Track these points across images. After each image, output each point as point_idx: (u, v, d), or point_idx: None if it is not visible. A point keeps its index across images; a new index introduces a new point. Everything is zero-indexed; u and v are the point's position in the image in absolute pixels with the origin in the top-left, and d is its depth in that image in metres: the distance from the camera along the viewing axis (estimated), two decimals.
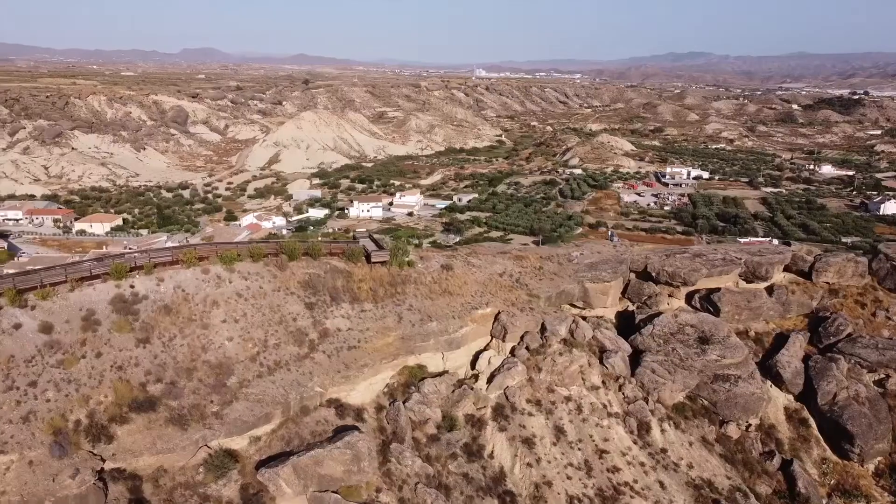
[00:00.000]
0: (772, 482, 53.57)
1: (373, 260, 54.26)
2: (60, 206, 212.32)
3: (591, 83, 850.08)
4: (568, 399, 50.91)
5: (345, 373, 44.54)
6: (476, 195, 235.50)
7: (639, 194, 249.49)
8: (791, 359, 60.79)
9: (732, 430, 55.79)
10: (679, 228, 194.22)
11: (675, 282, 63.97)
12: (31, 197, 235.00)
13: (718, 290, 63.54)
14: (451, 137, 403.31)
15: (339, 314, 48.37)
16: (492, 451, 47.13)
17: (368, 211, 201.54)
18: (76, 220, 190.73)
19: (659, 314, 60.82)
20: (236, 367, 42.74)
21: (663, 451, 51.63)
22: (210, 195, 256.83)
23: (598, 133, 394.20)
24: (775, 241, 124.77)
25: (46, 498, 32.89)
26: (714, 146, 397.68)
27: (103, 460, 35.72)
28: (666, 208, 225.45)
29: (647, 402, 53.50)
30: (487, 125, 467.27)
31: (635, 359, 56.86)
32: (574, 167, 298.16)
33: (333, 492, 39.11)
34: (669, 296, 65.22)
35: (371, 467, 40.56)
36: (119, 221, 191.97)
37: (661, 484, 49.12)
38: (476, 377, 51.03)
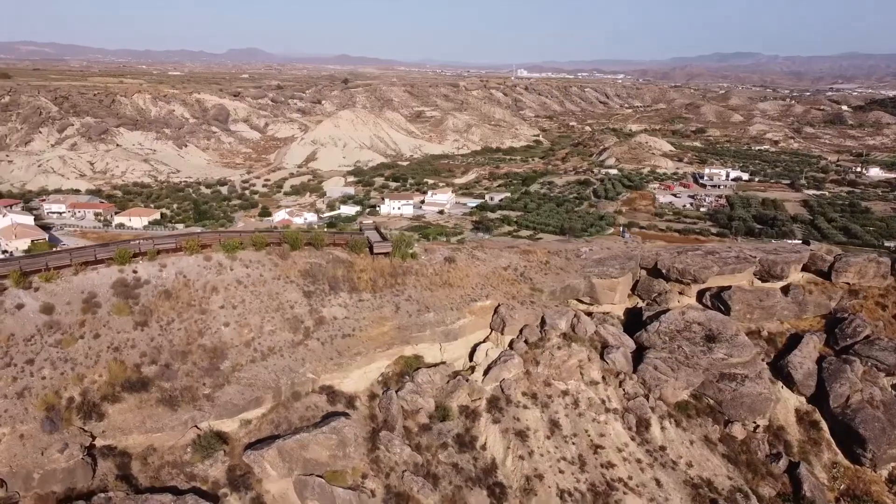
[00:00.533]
0: (777, 484, 52.37)
1: (375, 251, 54.78)
2: (102, 201, 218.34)
3: (633, 83, 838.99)
4: (565, 393, 50.58)
5: (337, 360, 45.08)
6: (508, 194, 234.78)
7: (675, 195, 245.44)
8: (804, 360, 59.30)
9: (737, 431, 54.66)
10: (714, 230, 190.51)
11: (685, 279, 62.98)
12: (76, 191, 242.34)
13: (730, 288, 62.33)
14: (488, 137, 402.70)
15: (337, 303, 48.95)
16: (484, 443, 47.14)
17: (399, 208, 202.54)
18: (116, 213, 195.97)
19: (666, 311, 59.98)
20: (230, 351, 43.64)
21: (662, 448, 50.92)
22: (247, 192, 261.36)
23: (637, 133, 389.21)
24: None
25: (35, 470, 34.15)
26: (757, 148, 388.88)
27: (93, 437, 36.88)
28: (702, 210, 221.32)
29: (647, 399, 52.82)
30: (525, 125, 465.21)
31: (639, 355, 56.19)
32: (610, 167, 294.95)
33: (318, 476, 39.64)
34: (680, 293, 64.26)
35: (357, 453, 40.99)
36: (157, 216, 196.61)
37: (658, 481, 48.46)
38: (473, 369, 51.05)
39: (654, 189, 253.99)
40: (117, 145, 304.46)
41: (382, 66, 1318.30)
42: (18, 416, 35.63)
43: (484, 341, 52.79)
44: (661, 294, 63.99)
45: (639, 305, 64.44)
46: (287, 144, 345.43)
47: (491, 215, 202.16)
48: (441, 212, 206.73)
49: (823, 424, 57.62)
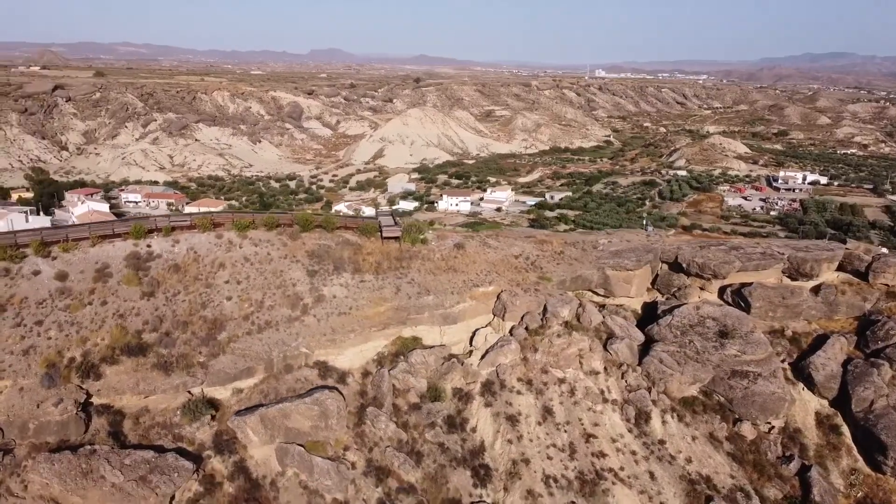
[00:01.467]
0: (784, 487, 50.54)
1: (385, 235, 55.96)
2: (176, 192, 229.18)
3: (714, 84, 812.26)
4: (561, 381, 50.36)
5: (331, 336, 46.46)
6: (569, 193, 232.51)
7: (745, 198, 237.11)
8: (827, 361, 56.88)
9: (747, 430, 52.96)
10: (782, 234, 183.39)
11: (705, 274, 61.37)
12: (154, 183, 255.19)
13: (751, 284, 60.37)
14: (557, 137, 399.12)
15: (338, 282, 50.39)
16: (475, 426, 47.55)
17: (457, 205, 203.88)
18: (187, 204, 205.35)
19: (681, 305, 58.68)
20: (229, 324, 45.70)
21: (661, 442, 49.97)
22: (314, 186, 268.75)
23: (710, 134, 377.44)
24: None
25: (30, 421, 36.94)
26: (843, 151, 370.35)
27: (89, 395, 39.50)
28: (772, 213, 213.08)
29: (649, 392, 51.93)
30: (597, 125, 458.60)
31: (647, 348, 55.25)
32: (679, 168, 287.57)
33: (299, 444, 41.09)
34: (701, 289, 62.66)
35: (339, 425, 42.24)
36: (224, 207, 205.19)
37: (651, 474, 47.65)
38: (472, 353, 51.51)
39: (724, 191, 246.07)
40: (195, 140, 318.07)
41: (459, 66, 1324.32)
42: (21, 371, 38.63)
43: (485, 327, 53.07)
44: (680, 289, 62.60)
45: (658, 300, 63.22)
46: (356, 142, 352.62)
47: (549, 214, 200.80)
48: (499, 209, 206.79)
49: (845, 429, 55.16)
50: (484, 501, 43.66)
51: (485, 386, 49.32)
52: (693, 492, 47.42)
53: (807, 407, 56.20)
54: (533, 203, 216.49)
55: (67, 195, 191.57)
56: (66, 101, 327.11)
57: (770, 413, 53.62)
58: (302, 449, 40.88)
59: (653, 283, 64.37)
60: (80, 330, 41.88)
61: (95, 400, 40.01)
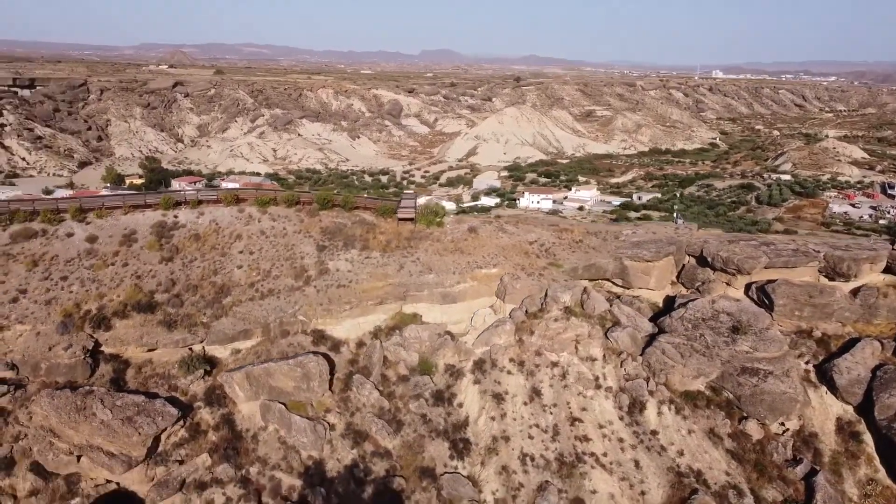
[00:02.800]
0: (787, 489, 48.60)
1: (399, 217, 58.13)
2: (273, 182, 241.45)
3: (839, 86, 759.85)
4: (554, 364, 50.68)
5: (326, 306, 49.09)
6: (657, 194, 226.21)
7: (853, 205, 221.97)
8: (853, 365, 53.94)
9: (753, 429, 51.19)
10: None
11: (729, 268, 59.48)
12: (256, 174, 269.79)
13: (776, 280, 57.97)
14: (659, 138, 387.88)
15: (345, 258, 53.00)
16: (462, 401, 48.81)
17: (538, 203, 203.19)
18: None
19: (696, 299, 57.28)
20: (235, 289, 49.29)
21: (653, 433, 49.29)
22: (404, 181, 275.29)
23: (823, 138, 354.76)
24: None
25: (42, 361, 41.75)
26: None
27: (99, 344, 44.00)
28: (882, 222, 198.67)
29: (647, 383, 51.25)
30: (704, 127, 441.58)
31: (653, 339, 54.42)
32: (783, 172, 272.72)
33: (281, 402, 43.94)
34: (727, 284, 60.70)
35: (321, 388, 44.76)
36: None
37: (637, 463, 47.22)
38: (469, 332, 52.72)
39: (830, 197, 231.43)
40: (298, 135, 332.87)
41: (568, 66, 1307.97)
42: (41, 318, 43.62)
43: (486, 308, 54.10)
44: (704, 283, 60.92)
45: (682, 293, 61.85)
46: (452, 139, 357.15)
47: (633, 214, 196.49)
48: (581, 208, 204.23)
49: (867, 438, 52.17)
50: (458, 472, 44.90)
51: (477, 364, 50.43)
52: (679, 484, 46.62)
53: (828, 411, 53.57)
54: (618, 203, 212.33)
55: (174, 182, 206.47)
56: (185, 97, 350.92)
57: (779, 413, 51.59)
58: (283, 407, 43.71)
59: (679, 277, 63.01)
60: (100, 287, 46.65)
61: (106, 349, 44.54)
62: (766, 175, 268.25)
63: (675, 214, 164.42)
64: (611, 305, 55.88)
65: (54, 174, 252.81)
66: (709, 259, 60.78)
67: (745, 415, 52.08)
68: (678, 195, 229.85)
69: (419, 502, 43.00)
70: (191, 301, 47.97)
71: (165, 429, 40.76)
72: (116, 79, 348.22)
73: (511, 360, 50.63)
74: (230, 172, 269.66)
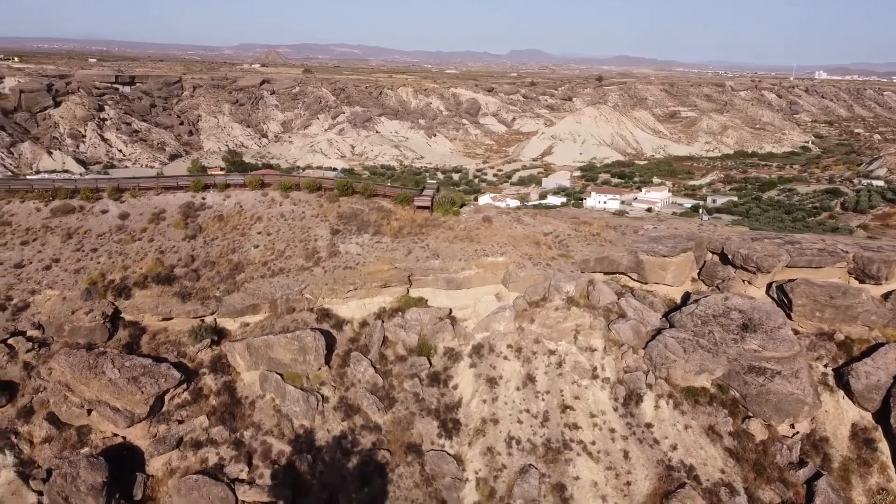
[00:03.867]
0: (786, 492, 47.43)
1: (416, 204, 59.97)
2: (344, 176, 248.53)
3: None
4: (552, 353, 51.18)
5: (332, 286, 51.47)
6: (733, 198, 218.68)
7: None
8: (873, 370, 51.84)
9: (756, 428, 50.06)
10: None
11: (748, 266, 58.08)
12: (332, 169, 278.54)
13: (795, 279, 56.22)
14: (745, 140, 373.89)
15: (356, 241, 55.31)
16: (457, 384, 50.09)
17: (604, 203, 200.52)
18: None
19: (709, 296, 56.31)
20: (249, 267, 52.44)
21: (648, 425, 49.05)
22: (476, 180, 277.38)
23: None
24: None
25: (66, 323, 45.99)
26: None
27: (118, 310, 47.95)
28: None
29: (646, 376, 50.99)
30: (797, 130, 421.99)
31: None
32: (876, 178, 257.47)
33: (278, 373, 46.61)
34: (747, 282, 59.28)
35: (317, 362, 47.16)
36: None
37: (626, 453, 47.22)
38: (471, 318, 53.90)
39: None
40: (376, 132, 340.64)
41: (659, 66, 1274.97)
42: (68, 285, 47.99)
43: (491, 295, 55.13)
44: (724, 280, 59.71)
45: (700, 290, 60.83)
46: (528, 139, 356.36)
47: (704, 218, 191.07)
48: (650, 209, 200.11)
49: (883, 446, 50.16)
50: (445, 451, 46.29)
51: (475, 349, 51.58)
52: (667, 477, 46.35)
53: (843, 416, 51.77)
54: (689, 206, 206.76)
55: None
56: (271, 94, 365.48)
57: (784, 414, 50.27)
58: (279, 377, 46.35)
59: (700, 274, 61.96)
60: (125, 259, 50.79)
61: (125, 316, 48.49)
62: (856, 180, 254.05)
63: (700, 212, 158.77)
64: (619, 298, 55.76)
65: (147, 165, 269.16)
66: (729, 256, 59.53)
67: (749, 414, 51.04)
68: (755, 198, 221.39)
69: (402, 475, 44.71)
70: (207, 276, 51.44)
71: (168, 390, 44.18)
72: (209, 76, 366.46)
73: (509, 346, 51.50)
74: (308, 167, 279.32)
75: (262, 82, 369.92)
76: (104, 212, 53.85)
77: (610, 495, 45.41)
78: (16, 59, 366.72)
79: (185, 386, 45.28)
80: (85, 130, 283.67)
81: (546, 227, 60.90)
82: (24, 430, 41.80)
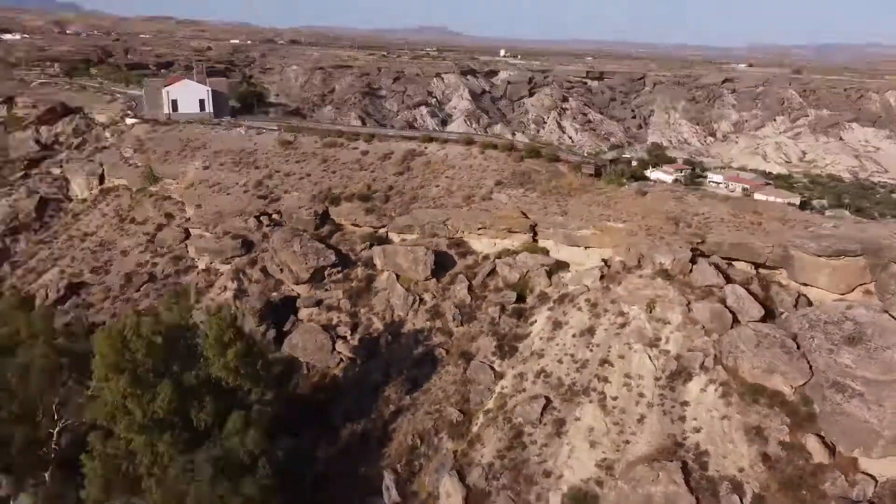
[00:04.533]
0: None
1: (583, 171, 66.26)
2: (768, 182, 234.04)
3: None
4: (621, 314, 53.26)
5: (467, 222, 62.99)
6: None
7: None
8: None
9: (815, 447, 44.37)
10: None
11: None
12: (766, 174, 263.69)
13: None
14: None
15: (508, 193, 65.22)
16: (534, 321, 56.88)
17: None
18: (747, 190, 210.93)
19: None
20: (422, 199, 67.52)
21: (684, 403, 48.20)
22: None
23: None
24: None
25: (293, 213, 68.24)
26: None
27: (328, 213, 68.40)
28: None
29: (706, 359, 49.30)
30: None
31: None
32: None
33: (396, 273, 61.17)
34: None
35: (424, 273, 60.10)
36: (796, 200, 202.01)
37: (641, 417, 48.11)
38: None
39: None
40: (840, 139, 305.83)
41: None
42: (307, 190, 70.35)
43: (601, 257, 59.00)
44: (894, 295, 50.50)
45: (868, 303, 52.40)
46: None
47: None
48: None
49: None
50: (491, 366, 54.53)
51: (561, 297, 57.01)
52: (668, 450, 46.03)
53: None
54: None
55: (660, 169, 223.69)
56: (731, 94, 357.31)
57: (853, 443, 43.76)
58: (395, 276, 60.84)
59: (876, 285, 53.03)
60: (349, 181, 71.13)
61: (333, 218, 68.69)
62: None
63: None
64: (727, 283, 53.35)
65: (587, 153, 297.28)
66: None
67: (817, 432, 45.03)
68: None
69: (448, 372, 54.98)
70: (393, 201, 68.27)
71: (325, 267, 62.85)
72: (672, 73, 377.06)
73: (587, 300, 55.44)
74: (742, 169, 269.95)
75: (724, 80, 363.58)
76: (354, 149, 75.16)
77: (602, 444, 47.55)
78: (518, 56, 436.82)
79: (339, 268, 63.38)
80: (547, 118, 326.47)
81: (703, 209, 60.23)
82: (249, 272, 65.50)
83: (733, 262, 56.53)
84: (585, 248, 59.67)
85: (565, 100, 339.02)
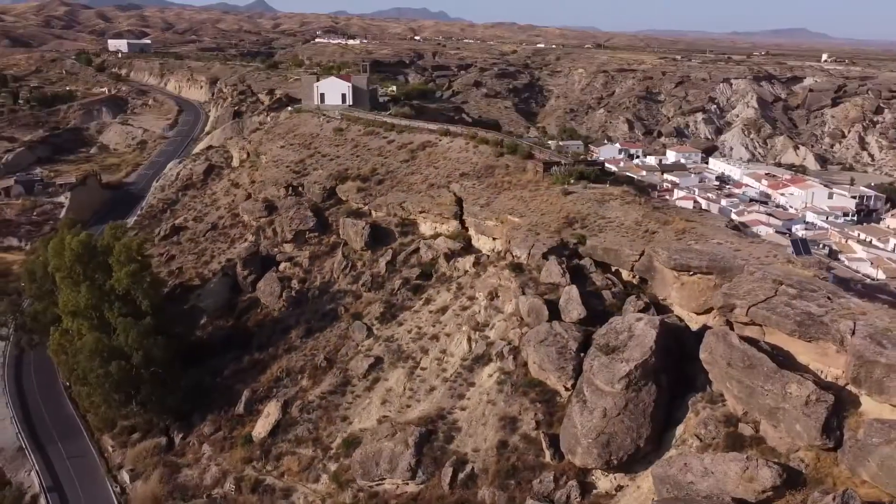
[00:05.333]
0: None
1: (537, 168, 68.66)
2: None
3: None
4: (471, 299, 57.26)
5: (414, 206, 70.18)
6: None
7: None
8: None
9: (546, 446, 44.31)
10: None
11: None
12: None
13: None
14: None
15: (462, 183, 70.44)
16: (424, 296, 62.63)
17: None
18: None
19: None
20: (402, 183, 75.88)
21: (471, 384, 51.03)
22: None
23: None
24: None
25: (311, 187, 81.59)
26: None
27: (334, 192, 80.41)
28: None
29: (505, 347, 51.15)
30: None
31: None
32: None
33: (345, 242, 71.19)
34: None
35: (359, 243, 69.32)
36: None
37: (431, 389, 52.78)
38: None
39: None
40: None
41: None
42: (328, 169, 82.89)
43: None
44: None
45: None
46: None
47: None
48: None
49: None
50: (370, 328, 62.01)
51: (448, 278, 62.41)
52: (428, 419, 49.92)
53: None
54: None
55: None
56: None
57: (566, 445, 43.20)
58: (342, 244, 70.95)
59: None
60: (363, 164, 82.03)
61: (338, 193, 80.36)
62: None
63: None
64: (568, 284, 53.08)
65: (886, 173, 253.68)
66: None
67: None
68: None
69: (338, 327, 64.03)
70: (385, 183, 77.47)
71: (304, 231, 75.17)
72: None
73: (458, 284, 60.24)
74: None
75: None
76: (384, 138, 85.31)
77: (391, 403, 53.89)
78: (836, 59, 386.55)
79: (317, 234, 75.12)
80: (848, 131, 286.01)
81: (612, 213, 59.30)
82: (266, 230, 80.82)
83: (615, 267, 55.33)
84: (492, 237, 63.11)
85: (879, 111, 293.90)
